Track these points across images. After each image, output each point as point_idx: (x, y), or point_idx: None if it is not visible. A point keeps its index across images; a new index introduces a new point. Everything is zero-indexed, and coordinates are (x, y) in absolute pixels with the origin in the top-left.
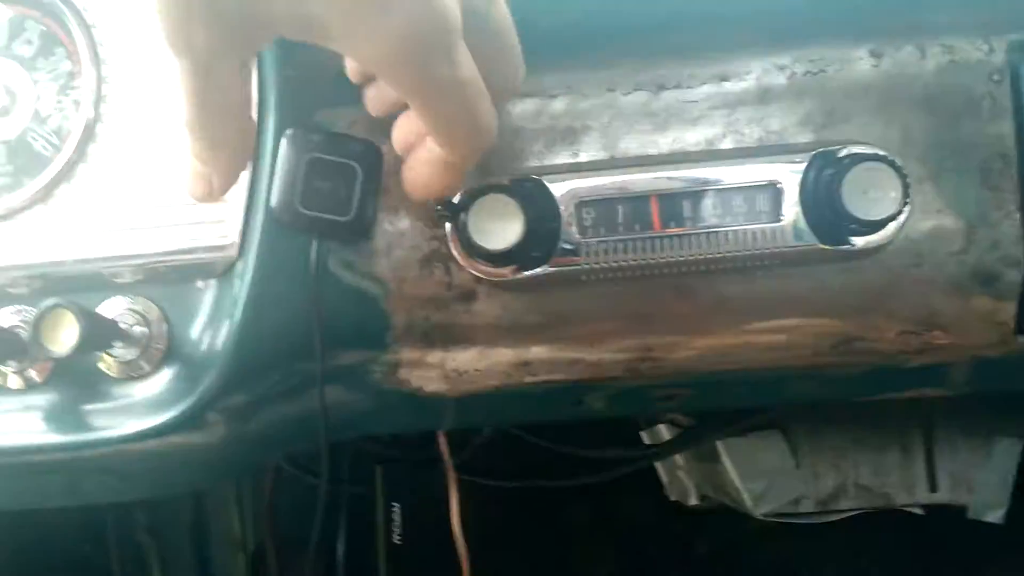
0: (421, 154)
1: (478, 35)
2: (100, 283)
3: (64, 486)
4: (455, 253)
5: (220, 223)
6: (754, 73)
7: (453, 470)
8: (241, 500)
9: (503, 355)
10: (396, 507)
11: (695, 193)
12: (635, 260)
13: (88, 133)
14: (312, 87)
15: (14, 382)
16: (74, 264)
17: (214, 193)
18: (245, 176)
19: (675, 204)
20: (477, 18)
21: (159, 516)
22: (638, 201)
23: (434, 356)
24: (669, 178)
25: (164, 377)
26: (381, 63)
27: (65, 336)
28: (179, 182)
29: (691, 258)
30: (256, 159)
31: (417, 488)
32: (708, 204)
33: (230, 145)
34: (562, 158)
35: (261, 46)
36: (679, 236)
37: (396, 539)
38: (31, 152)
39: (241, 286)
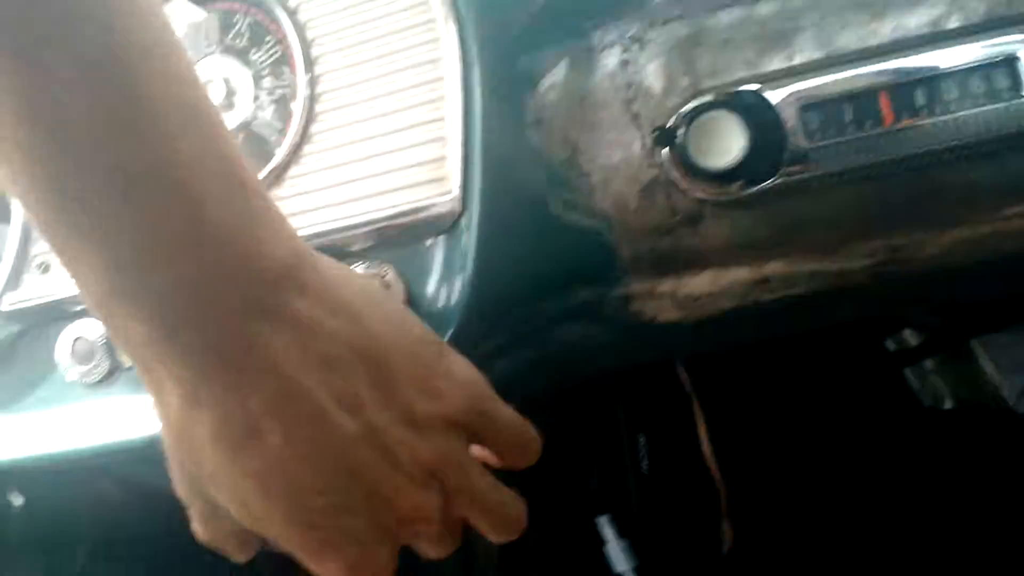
0: None
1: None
2: (336, 252)
3: None
4: (676, 177)
5: (441, 180)
6: None
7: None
8: None
9: (738, 275)
10: (642, 439)
11: (926, 80)
12: (869, 160)
13: (308, 114)
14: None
15: None
16: (310, 239)
17: None
18: (459, 131)
19: (906, 94)
20: (484, 418)
21: None
22: (865, 97)
23: (665, 285)
24: (895, 68)
25: None
26: None
27: None
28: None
29: (930, 149)
30: (466, 115)
31: (660, 420)
32: (941, 90)
33: None
34: (777, 63)
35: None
36: (914, 128)
37: (644, 470)
38: (258, 139)
39: (468, 239)
